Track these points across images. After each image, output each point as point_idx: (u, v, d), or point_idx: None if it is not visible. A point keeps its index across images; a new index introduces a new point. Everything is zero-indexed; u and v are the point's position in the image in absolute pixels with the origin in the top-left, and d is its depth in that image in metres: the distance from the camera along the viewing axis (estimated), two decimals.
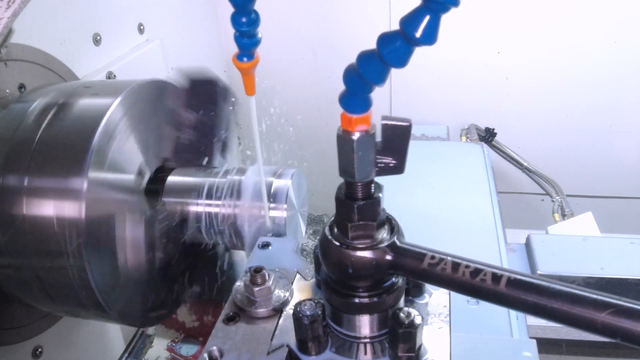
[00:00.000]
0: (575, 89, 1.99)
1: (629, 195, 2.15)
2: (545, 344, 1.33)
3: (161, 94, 0.97)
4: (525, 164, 2.00)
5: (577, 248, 1.26)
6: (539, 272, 1.20)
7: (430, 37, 0.44)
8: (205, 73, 1.04)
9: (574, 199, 2.00)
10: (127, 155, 0.87)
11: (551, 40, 1.93)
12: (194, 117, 1.01)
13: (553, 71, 1.97)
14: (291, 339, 0.64)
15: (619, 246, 1.26)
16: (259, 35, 0.63)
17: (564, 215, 1.74)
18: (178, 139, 1.01)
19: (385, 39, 0.46)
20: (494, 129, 2.02)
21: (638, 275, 1.17)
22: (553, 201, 1.83)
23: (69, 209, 0.76)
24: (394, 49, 0.46)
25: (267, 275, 0.69)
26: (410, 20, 0.44)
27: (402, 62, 0.47)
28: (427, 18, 0.44)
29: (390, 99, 2.09)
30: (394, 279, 0.61)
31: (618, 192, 2.16)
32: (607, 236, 1.44)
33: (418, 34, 0.44)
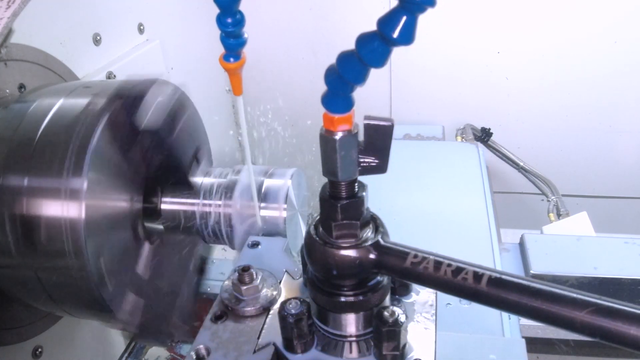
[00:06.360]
0: (575, 89, 1.98)
1: (628, 195, 2.14)
2: (544, 344, 1.33)
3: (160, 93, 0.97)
4: (521, 163, 1.99)
5: (571, 248, 1.25)
6: (532, 272, 1.20)
7: (407, 37, 0.44)
8: (138, 87, 0.85)
9: (573, 199, 2.00)
10: (126, 155, 0.87)
11: (551, 40, 1.92)
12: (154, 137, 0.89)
13: (553, 71, 1.97)
14: (278, 338, 0.64)
15: (613, 246, 1.25)
16: (245, 35, 0.63)
17: (559, 215, 1.73)
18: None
19: (363, 40, 0.47)
20: (489, 129, 2.02)
21: (631, 275, 1.17)
22: (549, 201, 1.83)
23: (69, 209, 0.76)
24: (372, 49, 0.46)
25: (254, 274, 0.69)
26: (387, 21, 0.44)
27: (380, 62, 0.47)
28: (404, 18, 0.44)
29: (390, 99, 2.09)
30: (379, 277, 0.61)
31: (617, 192, 2.15)
32: (601, 236, 1.43)
33: (395, 35, 0.44)
